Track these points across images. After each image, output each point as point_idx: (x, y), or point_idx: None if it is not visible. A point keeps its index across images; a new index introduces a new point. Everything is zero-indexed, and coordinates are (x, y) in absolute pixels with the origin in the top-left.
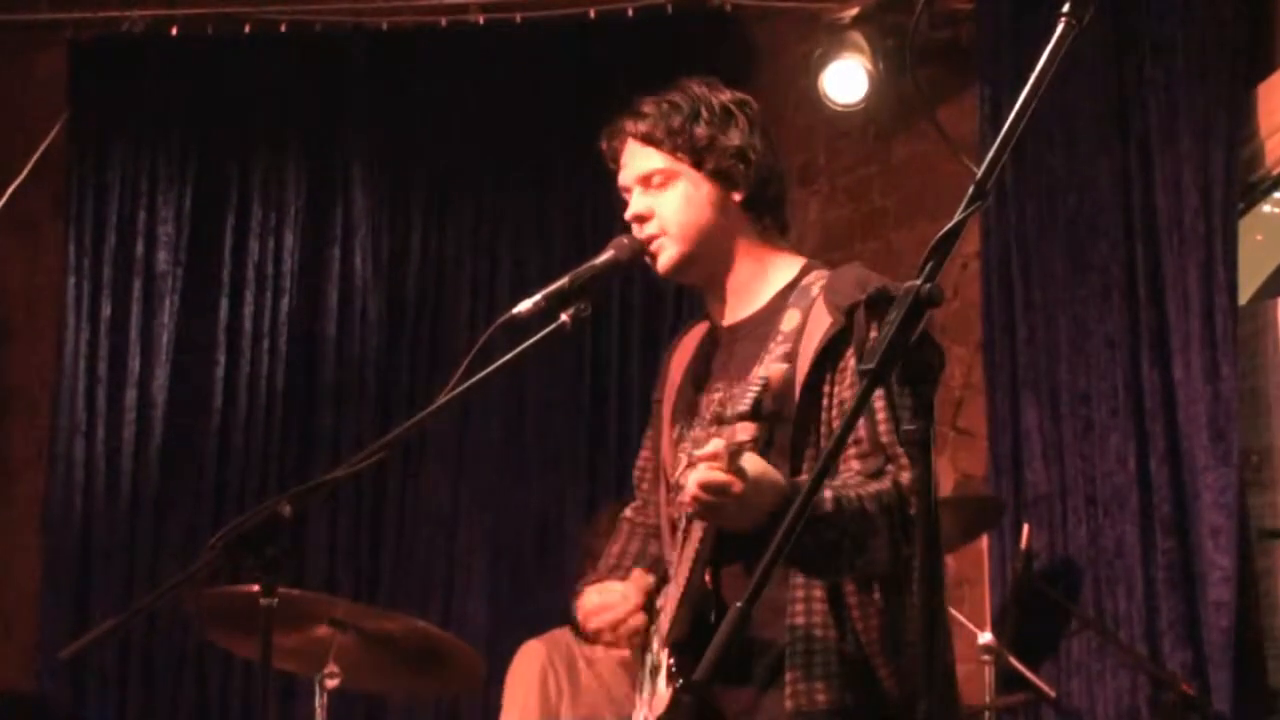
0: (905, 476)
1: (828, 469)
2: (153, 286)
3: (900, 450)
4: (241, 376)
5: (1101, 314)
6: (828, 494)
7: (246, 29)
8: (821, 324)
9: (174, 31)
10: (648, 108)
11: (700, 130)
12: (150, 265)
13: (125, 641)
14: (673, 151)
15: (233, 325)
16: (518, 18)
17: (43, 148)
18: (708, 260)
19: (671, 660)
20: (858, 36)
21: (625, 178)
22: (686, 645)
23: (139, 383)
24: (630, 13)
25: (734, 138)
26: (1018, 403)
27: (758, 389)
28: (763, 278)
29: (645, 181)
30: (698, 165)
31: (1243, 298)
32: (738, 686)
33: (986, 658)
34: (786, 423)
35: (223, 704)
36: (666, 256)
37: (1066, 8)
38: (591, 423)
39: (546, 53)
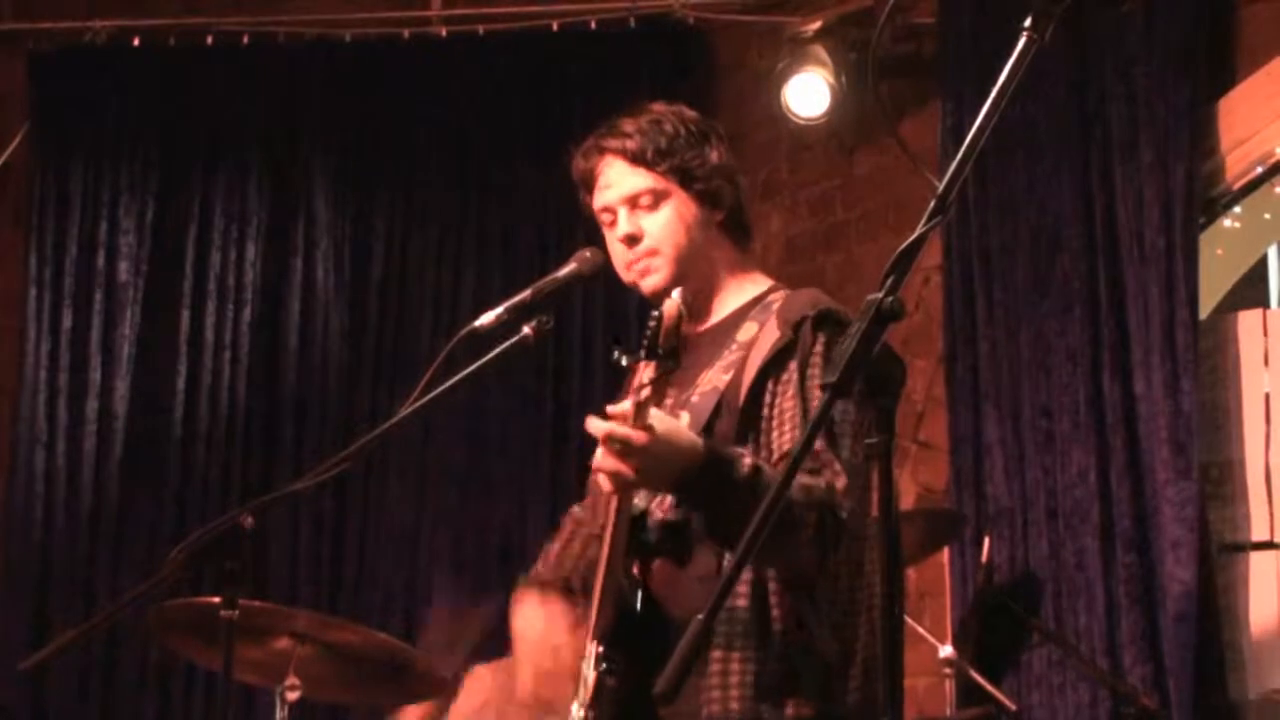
0: (840, 483)
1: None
2: (114, 298)
3: (833, 457)
4: (203, 388)
5: (1063, 328)
6: (747, 460)
7: (209, 40)
8: (770, 338)
9: (136, 42)
10: (629, 127)
11: (688, 151)
12: (112, 276)
13: (86, 653)
14: (663, 172)
15: (194, 337)
16: (480, 30)
17: (3, 158)
18: (692, 279)
19: (599, 649)
20: (820, 50)
21: (609, 198)
22: (611, 634)
23: (100, 394)
24: (593, 25)
25: (715, 158)
26: (979, 416)
27: (651, 327)
28: (732, 293)
29: (633, 202)
30: (685, 185)
31: (1203, 312)
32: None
33: (947, 671)
34: (730, 430)
35: (184, 716)
36: (658, 278)
37: (1028, 22)
38: (554, 436)
39: (509, 65)
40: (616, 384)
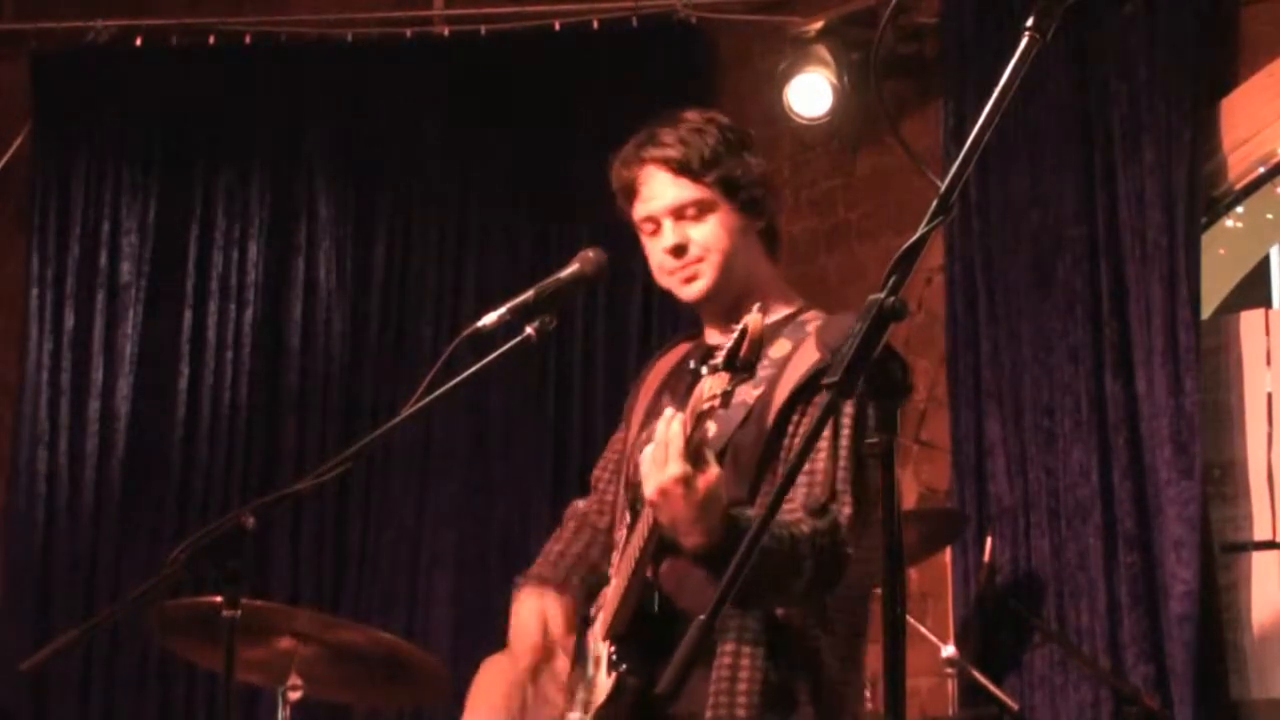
0: (845, 514)
1: (779, 503)
2: (116, 297)
3: (847, 488)
4: (205, 388)
5: (1065, 327)
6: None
7: (211, 40)
8: (808, 358)
9: (138, 42)
10: (670, 136)
11: (730, 160)
12: (114, 276)
13: (87, 653)
14: (709, 183)
15: (196, 336)
16: (482, 30)
17: (6, 158)
18: (734, 288)
19: (613, 650)
20: (822, 50)
21: (653, 208)
22: (627, 636)
23: (102, 393)
24: (595, 25)
25: (756, 167)
26: (981, 416)
27: (733, 338)
28: (770, 304)
29: (678, 213)
30: (729, 196)
31: (1206, 311)
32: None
33: (950, 671)
34: (754, 445)
35: (186, 716)
36: (702, 283)
37: (1030, 22)
38: (555, 435)
39: (511, 64)
40: (619, 385)
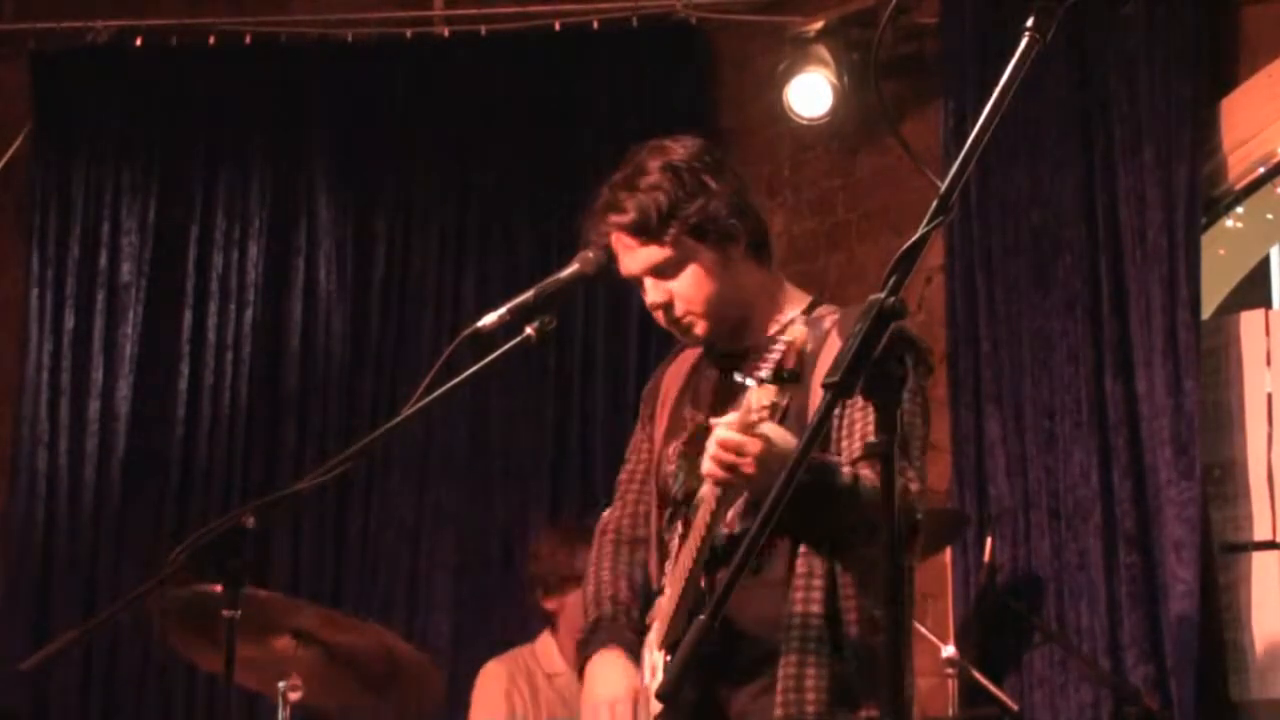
0: (915, 487)
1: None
2: (116, 298)
3: (906, 464)
4: (205, 388)
5: (1065, 328)
6: (846, 470)
7: (211, 40)
8: (834, 354)
9: (138, 43)
10: (626, 199)
11: (691, 204)
12: (114, 277)
13: (87, 653)
14: (673, 239)
15: (196, 337)
16: (482, 30)
17: (5, 159)
18: (733, 315)
19: (668, 659)
20: (822, 50)
21: (630, 270)
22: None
23: (102, 394)
24: (595, 25)
25: (721, 197)
26: (981, 416)
27: (780, 352)
28: (774, 308)
29: (655, 273)
30: (700, 239)
31: (1206, 312)
32: (739, 684)
33: (950, 671)
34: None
35: (185, 716)
36: (696, 333)
37: (1030, 22)
38: (555, 436)
39: (511, 65)
40: (619, 385)
